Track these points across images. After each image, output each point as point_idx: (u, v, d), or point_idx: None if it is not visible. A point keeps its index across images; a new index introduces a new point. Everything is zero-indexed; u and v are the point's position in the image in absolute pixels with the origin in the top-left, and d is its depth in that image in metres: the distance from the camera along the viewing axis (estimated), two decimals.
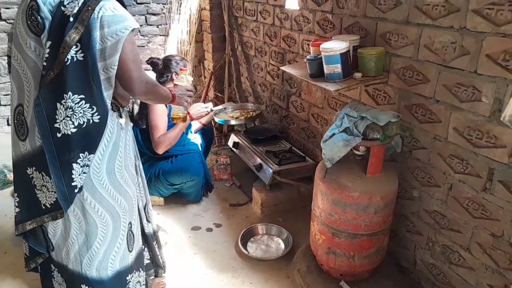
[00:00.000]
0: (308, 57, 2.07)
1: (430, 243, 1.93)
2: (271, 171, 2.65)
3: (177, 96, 1.81)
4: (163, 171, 2.70)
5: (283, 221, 2.63)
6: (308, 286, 2.04)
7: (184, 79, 2.10)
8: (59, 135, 1.44)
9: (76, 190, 1.51)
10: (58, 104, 1.42)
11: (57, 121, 1.43)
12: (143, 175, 1.93)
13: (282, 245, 2.44)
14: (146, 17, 4.20)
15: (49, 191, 1.58)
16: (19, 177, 1.65)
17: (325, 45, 1.92)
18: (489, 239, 1.63)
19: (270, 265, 2.27)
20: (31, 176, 1.59)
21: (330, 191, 1.85)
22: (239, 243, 2.38)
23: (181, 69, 2.27)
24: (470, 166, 1.65)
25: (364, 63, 1.96)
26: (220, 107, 3.22)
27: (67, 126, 1.43)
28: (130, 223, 1.77)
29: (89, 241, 1.66)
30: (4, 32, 3.76)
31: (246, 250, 2.36)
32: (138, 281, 1.87)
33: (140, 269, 1.88)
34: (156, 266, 2.08)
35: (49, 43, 1.39)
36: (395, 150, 1.96)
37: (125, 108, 1.72)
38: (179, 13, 4.17)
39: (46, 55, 1.39)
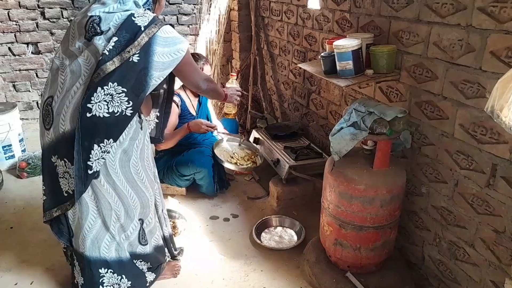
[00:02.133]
0: (322, 54, 2.14)
1: (438, 239, 1.95)
2: (287, 165, 2.73)
3: (229, 95, 2.25)
4: (176, 162, 2.86)
5: (298, 215, 2.71)
6: (316, 276, 2.11)
7: (233, 83, 2.53)
8: (88, 115, 1.59)
9: (90, 171, 1.63)
10: (98, 88, 1.59)
11: (91, 102, 1.59)
12: (159, 182, 2.07)
13: (295, 237, 2.51)
14: (177, 17, 4.39)
15: (71, 177, 1.70)
16: (45, 166, 1.79)
17: (338, 42, 1.99)
18: (492, 235, 1.64)
19: (281, 255, 2.36)
20: (55, 164, 1.73)
21: (337, 183, 1.92)
22: (253, 233, 2.48)
23: (231, 75, 2.66)
24: (475, 162, 1.67)
25: (376, 60, 2.01)
26: (223, 135, 3.11)
27: (101, 109, 1.59)
28: (141, 220, 1.90)
29: (106, 225, 1.80)
30: (47, 30, 4.05)
31: (260, 240, 2.45)
32: (145, 268, 2.01)
33: (149, 262, 2.01)
34: (172, 256, 2.21)
35: (115, 38, 1.60)
36: (405, 146, 1.99)
37: (142, 115, 1.87)
38: (209, 13, 4.32)
39: (110, 47, 1.59)
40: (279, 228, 2.59)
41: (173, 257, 2.20)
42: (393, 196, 1.86)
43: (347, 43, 1.95)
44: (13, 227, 2.61)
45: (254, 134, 3.33)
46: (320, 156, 2.85)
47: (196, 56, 2.87)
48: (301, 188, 2.81)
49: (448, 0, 1.67)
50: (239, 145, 3.04)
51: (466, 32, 1.60)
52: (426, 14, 1.80)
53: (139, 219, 1.89)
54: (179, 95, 2.88)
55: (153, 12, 1.77)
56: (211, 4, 4.30)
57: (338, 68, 2.03)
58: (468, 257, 1.79)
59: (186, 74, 1.85)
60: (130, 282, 1.93)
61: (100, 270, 1.86)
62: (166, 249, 2.14)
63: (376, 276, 2.05)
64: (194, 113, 2.97)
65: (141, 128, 1.80)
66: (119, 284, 1.91)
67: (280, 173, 2.80)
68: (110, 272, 1.87)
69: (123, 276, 1.91)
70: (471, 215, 1.73)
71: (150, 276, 2.02)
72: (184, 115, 2.89)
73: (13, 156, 3.37)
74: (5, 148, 3.31)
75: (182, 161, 2.83)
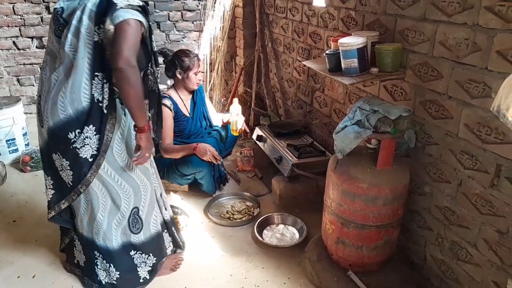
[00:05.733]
0: (327, 51, 2.13)
1: (440, 239, 1.95)
2: (290, 163, 2.72)
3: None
4: (176, 162, 2.81)
5: (300, 213, 2.70)
6: (317, 274, 2.11)
7: (235, 103, 2.88)
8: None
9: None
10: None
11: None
12: (155, 166, 2.06)
13: (297, 235, 2.51)
14: (182, 13, 4.38)
15: (67, 169, 1.75)
16: (45, 162, 1.85)
17: (343, 40, 1.98)
18: (495, 235, 1.63)
19: (283, 253, 2.36)
20: (53, 159, 1.78)
21: (340, 181, 1.91)
22: (255, 230, 2.48)
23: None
24: (479, 162, 1.66)
25: (381, 59, 2.00)
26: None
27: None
28: (136, 207, 1.91)
29: (93, 213, 1.84)
30: None
31: (262, 237, 2.45)
32: (144, 262, 2.00)
33: (151, 253, 2.01)
34: (175, 247, 2.23)
35: None
36: (409, 145, 1.98)
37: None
38: (214, 10, 4.31)
39: None
40: (281, 226, 2.59)
41: (177, 246, 2.21)
42: (396, 195, 1.86)
43: (352, 41, 1.94)
44: (16, 221, 2.62)
45: (257, 131, 3.33)
46: (323, 154, 2.85)
47: (186, 52, 2.80)
48: (304, 186, 2.81)
49: None
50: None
51: (472, 31, 1.59)
52: (432, 13, 1.78)
53: (134, 207, 1.90)
54: (170, 98, 2.80)
55: None
56: (215, 0, 4.29)
57: (343, 66, 2.03)
58: (470, 258, 1.78)
59: (116, 38, 1.57)
60: (118, 273, 1.95)
61: (95, 252, 1.92)
62: (167, 233, 2.15)
63: (377, 275, 2.04)
64: (187, 114, 2.91)
65: (124, 114, 1.79)
66: (108, 271, 1.95)
67: (283, 171, 2.80)
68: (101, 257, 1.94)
69: (111, 265, 1.94)
70: (474, 215, 1.72)
71: (143, 273, 2.01)
72: (179, 117, 2.84)
73: (16, 150, 3.38)
74: (8, 142, 3.32)
75: (181, 160, 2.78)
